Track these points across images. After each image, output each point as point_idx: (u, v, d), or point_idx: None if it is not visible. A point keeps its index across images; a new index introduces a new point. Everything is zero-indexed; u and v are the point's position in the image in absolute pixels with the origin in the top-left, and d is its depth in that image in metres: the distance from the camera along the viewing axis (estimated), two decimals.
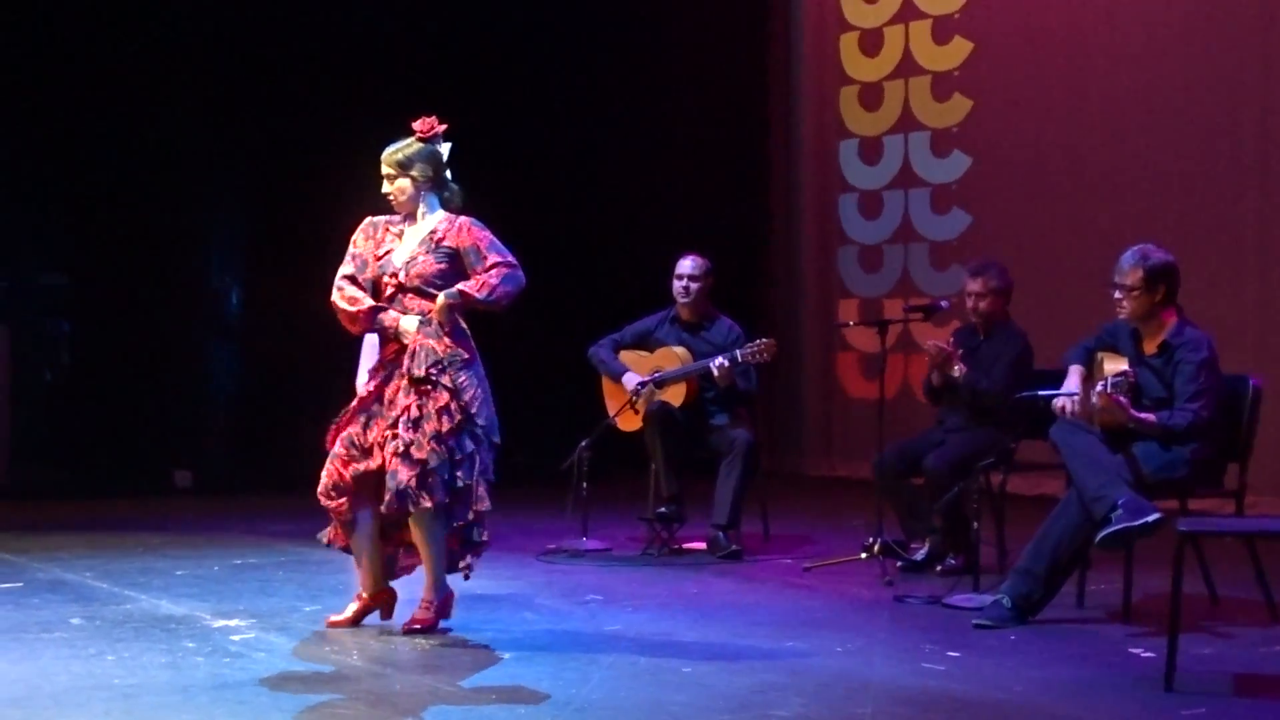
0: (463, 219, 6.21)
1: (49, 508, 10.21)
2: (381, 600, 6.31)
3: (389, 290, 6.17)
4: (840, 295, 12.61)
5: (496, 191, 7.22)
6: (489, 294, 6.07)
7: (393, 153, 6.23)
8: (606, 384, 8.56)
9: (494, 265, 6.11)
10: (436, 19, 12.28)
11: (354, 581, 7.27)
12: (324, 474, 6.14)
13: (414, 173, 6.21)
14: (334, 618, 6.28)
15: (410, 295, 6.13)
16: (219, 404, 12.15)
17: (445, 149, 6.28)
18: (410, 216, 6.26)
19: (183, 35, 11.93)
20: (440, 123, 6.27)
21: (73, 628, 6.16)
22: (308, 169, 11.67)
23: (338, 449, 6.12)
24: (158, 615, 6.44)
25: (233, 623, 6.29)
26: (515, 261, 6.16)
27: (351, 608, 6.29)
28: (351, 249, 6.26)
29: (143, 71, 11.85)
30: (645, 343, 8.55)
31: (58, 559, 7.87)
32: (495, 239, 6.19)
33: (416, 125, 6.25)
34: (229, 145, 11.98)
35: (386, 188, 6.25)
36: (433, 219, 6.23)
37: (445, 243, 6.15)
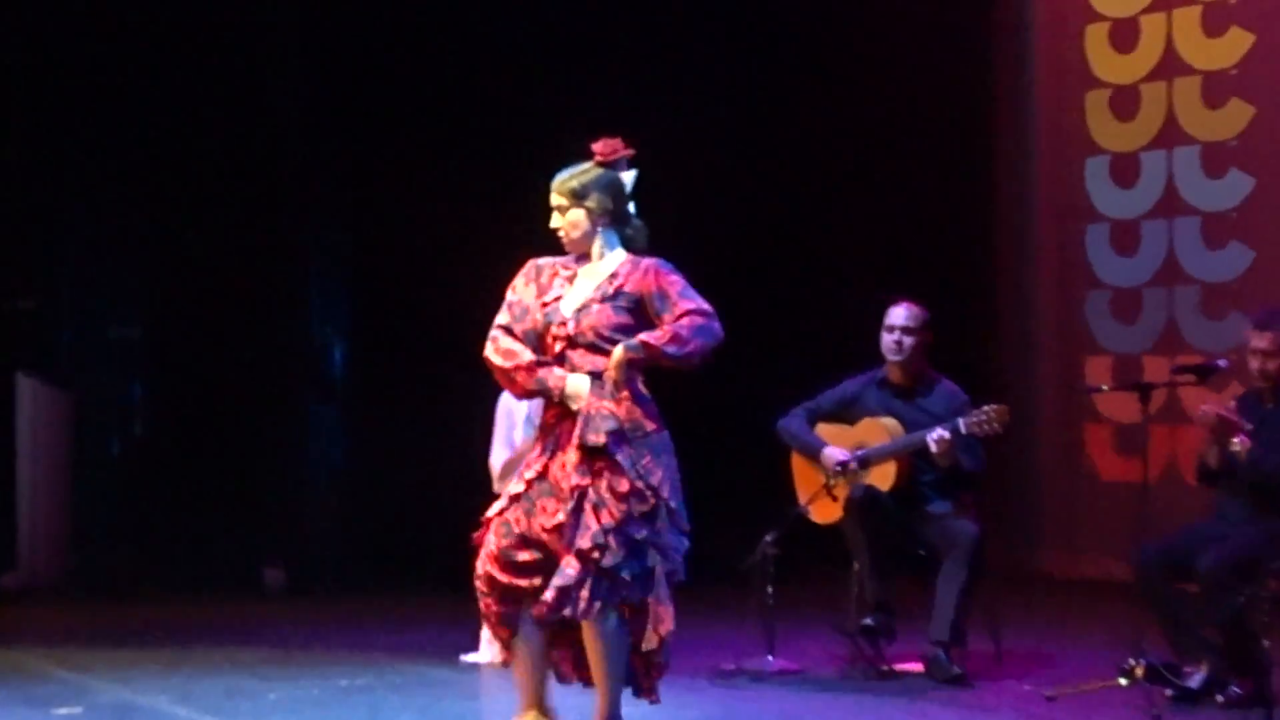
0: (648, 260, 6.20)
1: (115, 611, 10.39)
2: None
3: (557, 345, 6.15)
4: (1088, 351, 12.47)
5: (676, 229, 7.19)
6: (679, 347, 6.03)
7: (565, 179, 6.25)
8: (798, 463, 8.52)
9: (685, 313, 6.07)
10: (582, 38, 12.33)
11: (484, 709, 7.29)
12: (477, 568, 6.11)
13: (590, 203, 6.21)
14: None
15: (582, 351, 6.10)
16: (318, 485, 12.29)
17: (629, 177, 6.28)
18: (584, 257, 6.27)
19: (284, 64, 12.20)
20: (625, 147, 6.26)
21: None
22: (421, 204, 11.81)
23: (492, 539, 6.10)
24: None
25: None
26: (711, 310, 6.13)
27: None
28: (510, 295, 6.26)
29: (240, 92, 12.11)
30: (847, 412, 8.50)
31: (126, 678, 7.98)
32: (688, 285, 6.16)
33: (597, 147, 6.26)
34: (331, 176, 12.17)
35: (556, 221, 6.26)
36: (612, 260, 6.23)
37: (626, 288, 6.13)
